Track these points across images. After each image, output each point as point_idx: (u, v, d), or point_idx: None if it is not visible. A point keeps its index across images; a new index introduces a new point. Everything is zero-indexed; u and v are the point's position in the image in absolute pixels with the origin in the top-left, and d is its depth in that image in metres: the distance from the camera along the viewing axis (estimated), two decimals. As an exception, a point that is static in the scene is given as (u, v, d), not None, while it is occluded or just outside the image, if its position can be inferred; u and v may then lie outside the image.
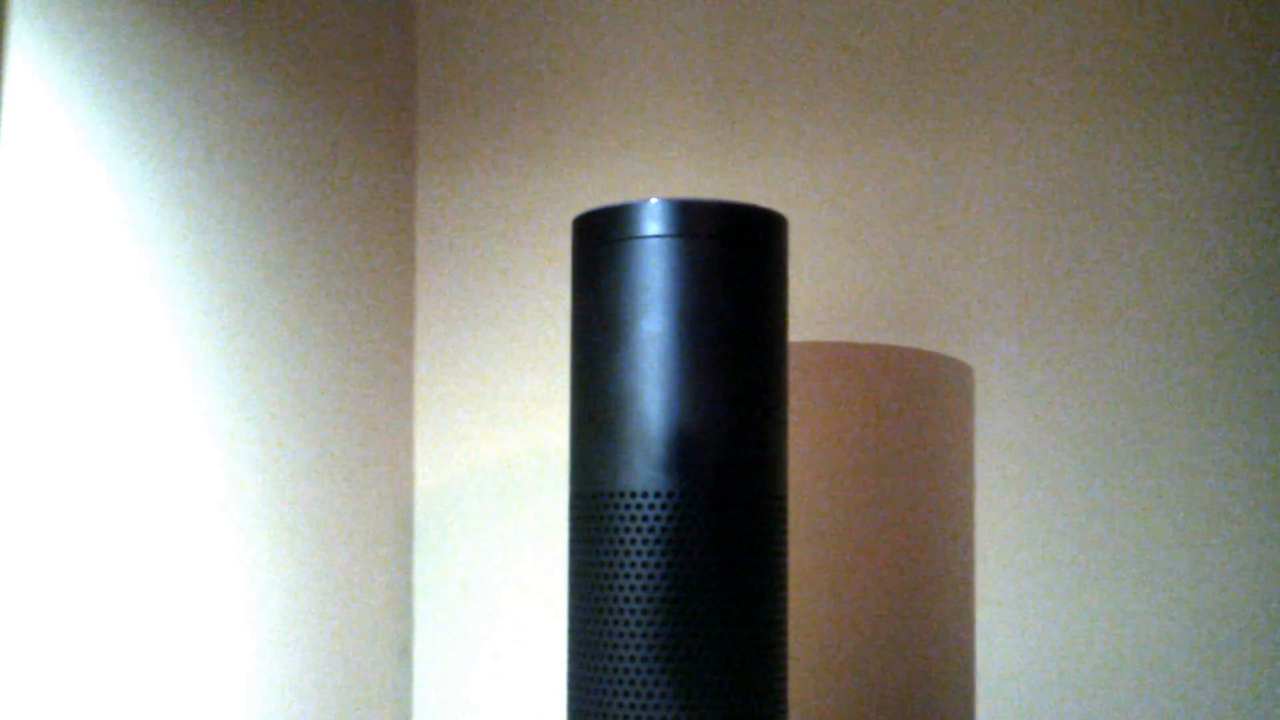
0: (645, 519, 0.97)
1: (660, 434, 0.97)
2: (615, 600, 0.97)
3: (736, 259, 0.99)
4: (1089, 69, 1.36)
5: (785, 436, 1.03)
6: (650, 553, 0.96)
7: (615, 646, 0.97)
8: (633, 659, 0.96)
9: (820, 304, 1.41)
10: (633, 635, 0.96)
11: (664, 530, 0.96)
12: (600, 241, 1.00)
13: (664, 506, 0.96)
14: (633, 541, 0.97)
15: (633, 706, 0.96)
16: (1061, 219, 1.36)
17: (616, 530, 0.97)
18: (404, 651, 1.51)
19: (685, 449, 0.97)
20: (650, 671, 0.96)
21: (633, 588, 0.96)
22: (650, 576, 0.96)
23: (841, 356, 1.38)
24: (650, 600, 0.96)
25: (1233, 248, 1.32)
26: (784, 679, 1.02)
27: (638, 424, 0.98)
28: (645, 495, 0.97)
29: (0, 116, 1.00)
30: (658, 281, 0.98)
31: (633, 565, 0.96)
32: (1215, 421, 1.31)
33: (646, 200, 0.99)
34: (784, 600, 1.02)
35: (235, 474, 1.25)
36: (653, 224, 0.99)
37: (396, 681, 1.50)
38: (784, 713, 1.01)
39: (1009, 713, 1.35)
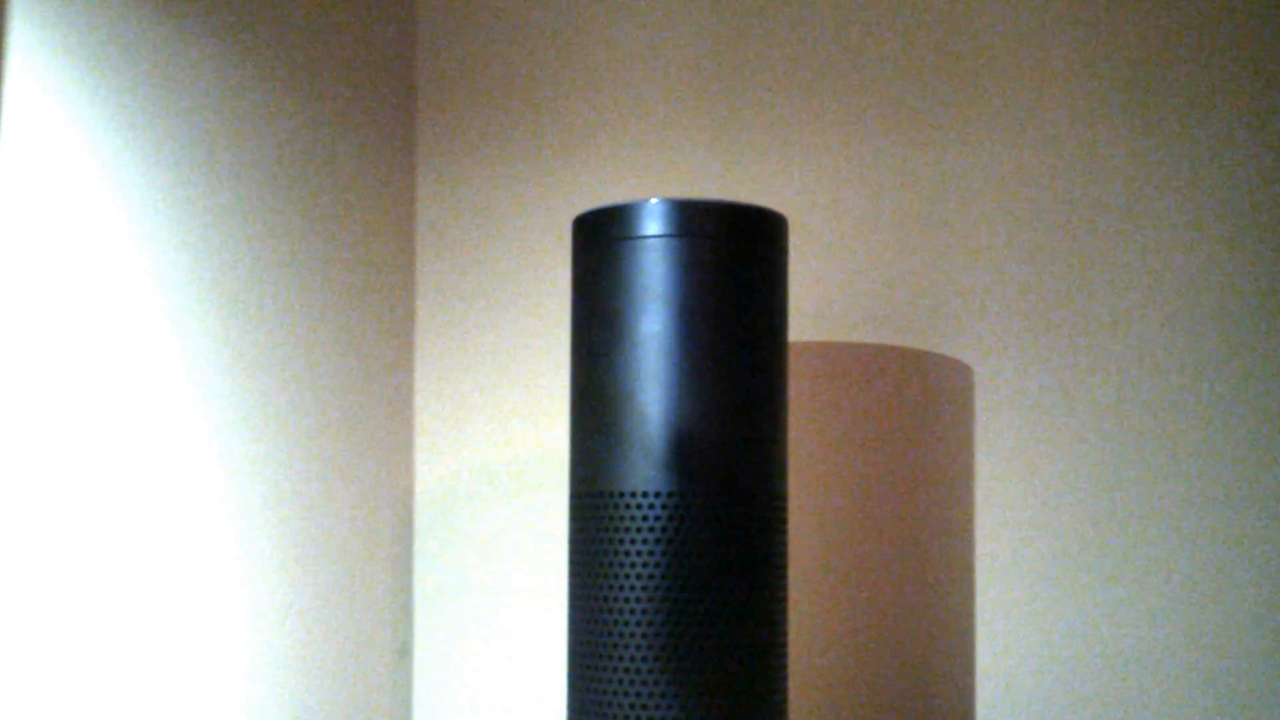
0: (645, 519, 0.97)
1: (660, 434, 0.97)
2: (615, 600, 0.97)
3: (736, 259, 0.99)
4: (1089, 70, 1.36)
5: (785, 436, 1.03)
6: (650, 553, 0.96)
7: (615, 646, 0.97)
8: (633, 659, 0.96)
9: (820, 304, 1.41)
10: (633, 635, 0.96)
11: (664, 530, 0.96)
12: (600, 241, 1.00)
13: (664, 506, 0.96)
14: (633, 541, 0.97)
15: (633, 706, 0.96)
16: (1061, 219, 1.36)
17: (616, 530, 0.97)
18: (404, 651, 1.51)
19: (685, 449, 0.97)
20: (650, 671, 0.96)
21: (633, 588, 0.96)
22: (650, 576, 0.96)
23: (841, 356, 1.38)
24: (650, 600, 0.96)
25: (1233, 248, 1.32)
26: (784, 679, 1.01)
27: (638, 424, 0.98)
28: (645, 495, 0.97)
29: (0, 116, 1.00)
30: (658, 281, 0.98)
31: (633, 565, 0.96)
32: (1215, 420, 1.31)
33: (646, 200, 0.99)
34: (784, 600, 1.01)
35: (235, 474, 1.25)
36: (653, 224, 0.99)
37: (396, 681, 1.50)
38: (784, 713, 1.01)
39: (1009, 713, 1.34)
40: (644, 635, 0.95)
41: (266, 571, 1.29)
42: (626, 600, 0.96)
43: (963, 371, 1.39)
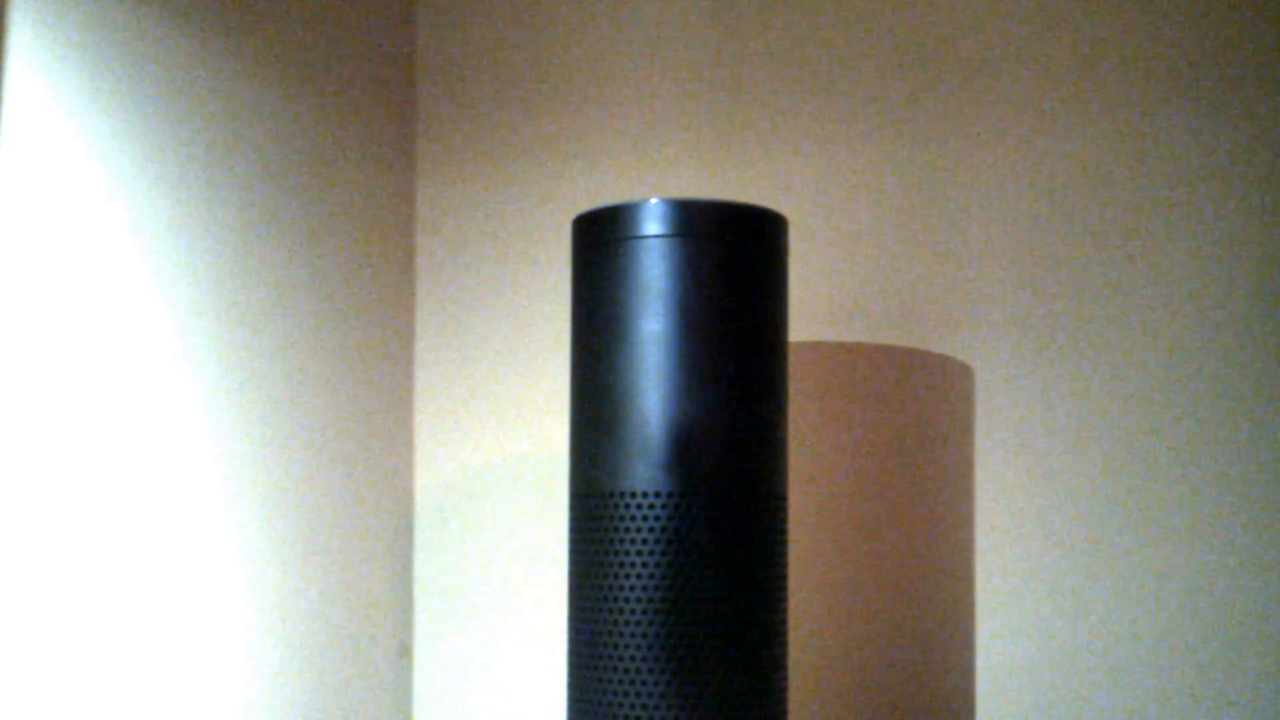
0: (645, 519, 0.97)
1: (660, 434, 0.97)
2: (615, 600, 0.97)
3: (736, 259, 0.99)
4: (1089, 69, 1.36)
5: (785, 436, 1.03)
6: (650, 553, 0.96)
7: (615, 646, 0.97)
8: (633, 659, 0.96)
9: (820, 304, 1.41)
10: (633, 635, 0.96)
11: (664, 530, 0.96)
12: (600, 241, 1.00)
13: (664, 506, 0.96)
14: (633, 541, 0.97)
15: (633, 706, 0.96)
16: (1061, 219, 1.36)
17: (616, 530, 0.97)
18: (404, 651, 1.51)
19: (685, 449, 0.97)
20: (650, 671, 0.96)
21: (633, 588, 0.96)
22: (650, 576, 0.96)
23: (841, 356, 1.38)
24: (650, 600, 0.96)
25: (1234, 248, 1.32)
26: (784, 679, 1.02)
27: (638, 424, 0.98)
28: (645, 495, 0.97)
29: (0, 116, 1.00)
30: (658, 281, 0.98)
31: (633, 565, 0.96)
32: (1214, 420, 1.31)
33: (646, 200, 0.99)
34: (784, 600, 1.02)
35: (235, 474, 1.25)
36: (653, 224, 0.99)
37: (396, 681, 1.50)
38: (784, 713, 1.01)
39: (1009, 713, 1.35)
40: (644, 635, 0.95)
41: (266, 571, 1.29)
42: (626, 600, 0.96)
43: (963, 371, 1.39)
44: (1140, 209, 1.35)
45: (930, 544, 1.36)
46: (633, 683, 0.96)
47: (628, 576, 0.96)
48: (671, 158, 1.47)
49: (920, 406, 1.37)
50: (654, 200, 0.99)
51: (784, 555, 1.02)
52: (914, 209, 1.40)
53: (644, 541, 0.96)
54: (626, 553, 0.97)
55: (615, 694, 0.96)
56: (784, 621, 1.02)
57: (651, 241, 0.98)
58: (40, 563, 1.02)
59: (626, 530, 0.97)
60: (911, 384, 1.37)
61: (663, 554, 0.96)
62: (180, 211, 1.19)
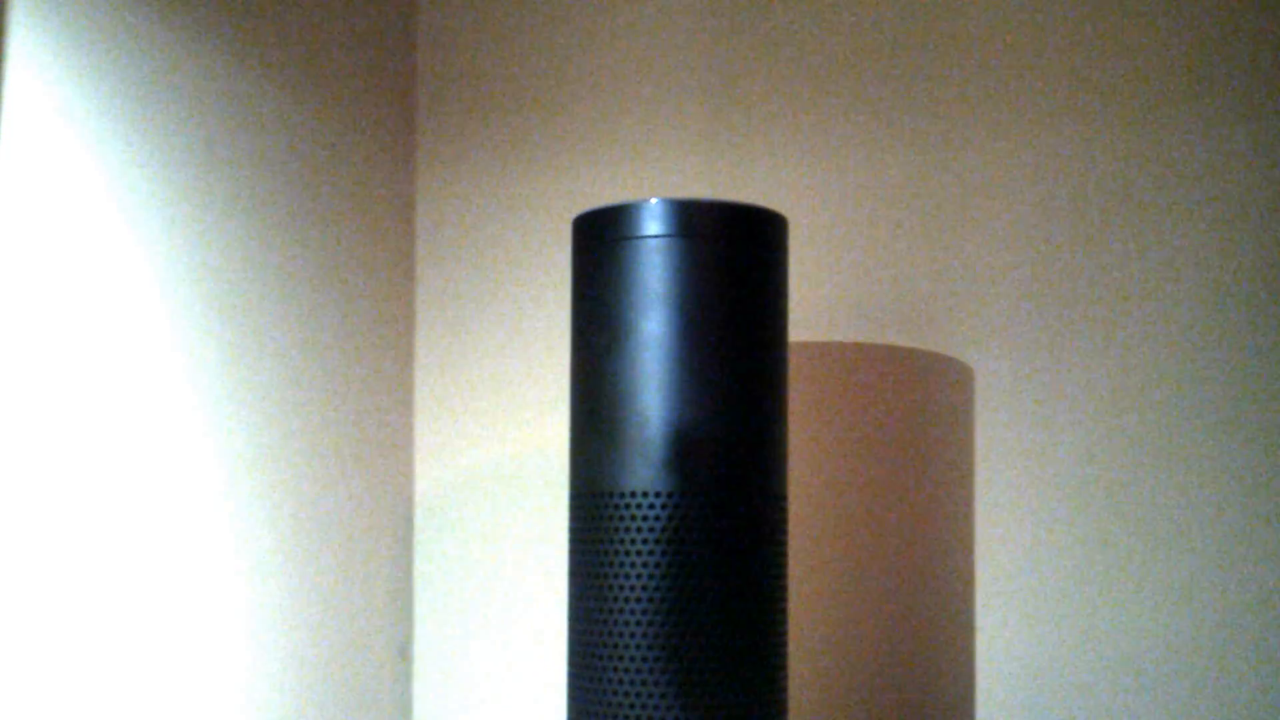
0: (645, 519, 0.97)
1: (660, 434, 0.97)
2: (615, 600, 0.97)
3: (736, 259, 0.99)
4: (1089, 70, 1.36)
5: (785, 436, 1.03)
6: (650, 553, 0.96)
7: (615, 646, 0.97)
8: (633, 659, 0.96)
9: (820, 304, 1.41)
10: (633, 635, 0.96)
11: (664, 530, 0.96)
12: (600, 241, 1.00)
13: (664, 506, 0.96)
14: (633, 541, 0.97)
15: (633, 706, 0.96)
16: (1061, 219, 1.36)
17: (616, 530, 0.97)
18: (404, 651, 1.51)
19: (685, 449, 0.97)
20: (650, 671, 0.96)
21: (633, 588, 0.96)
22: (650, 576, 0.96)
23: (841, 356, 1.38)
24: (650, 600, 0.96)
25: (1233, 248, 1.32)
26: (784, 679, 1.02)
27: (638, 424, 0.98)
28: (645, 495, 0.97)
29: (0, 116, 1.00)
30: (658, 281, 0.98)
31: (633, 565, 0.96)
32: (1215, 421, 1.31)
33: (646, 200, 0.99)
34: (784, 600, 1.02)
35: (235, 474, 1.25)
36: (653, 224, 0.99)
37: (396, 681, 1.50)
38: (784, 713, 1.01)
39: (1009, 713, 1.35)
40: (644, 635, 0.95)
41: (266, 571, 1.29)
42: (626, 600, 0.96)
43: (963, 371, 1.39)
44: (1140, 209, 1.35)
45: (930, 544, 1.36)
46: (633, 683, 0.96)
47: (628, 576, 0.96)
48: (671, 158, 1.47)
49: (920, 406, 1.37)
50: (654, 200, 0.99)
51: (784, 555, 1.02)
52: (914, 209, 1.40)
53: (644, 541, 0.96)
54: (626, 553, 0.97)
55: (615, 694, 0.96)
56: (784, 621, 1.02)
57: (651, 241, 0.98)
58: (38, 563, 1.02)
59: (626, 530, 0.97)
60: (911, 384, 1.37)
61: (663, 554, 0.96)
62: (180, 211, 1.19)
